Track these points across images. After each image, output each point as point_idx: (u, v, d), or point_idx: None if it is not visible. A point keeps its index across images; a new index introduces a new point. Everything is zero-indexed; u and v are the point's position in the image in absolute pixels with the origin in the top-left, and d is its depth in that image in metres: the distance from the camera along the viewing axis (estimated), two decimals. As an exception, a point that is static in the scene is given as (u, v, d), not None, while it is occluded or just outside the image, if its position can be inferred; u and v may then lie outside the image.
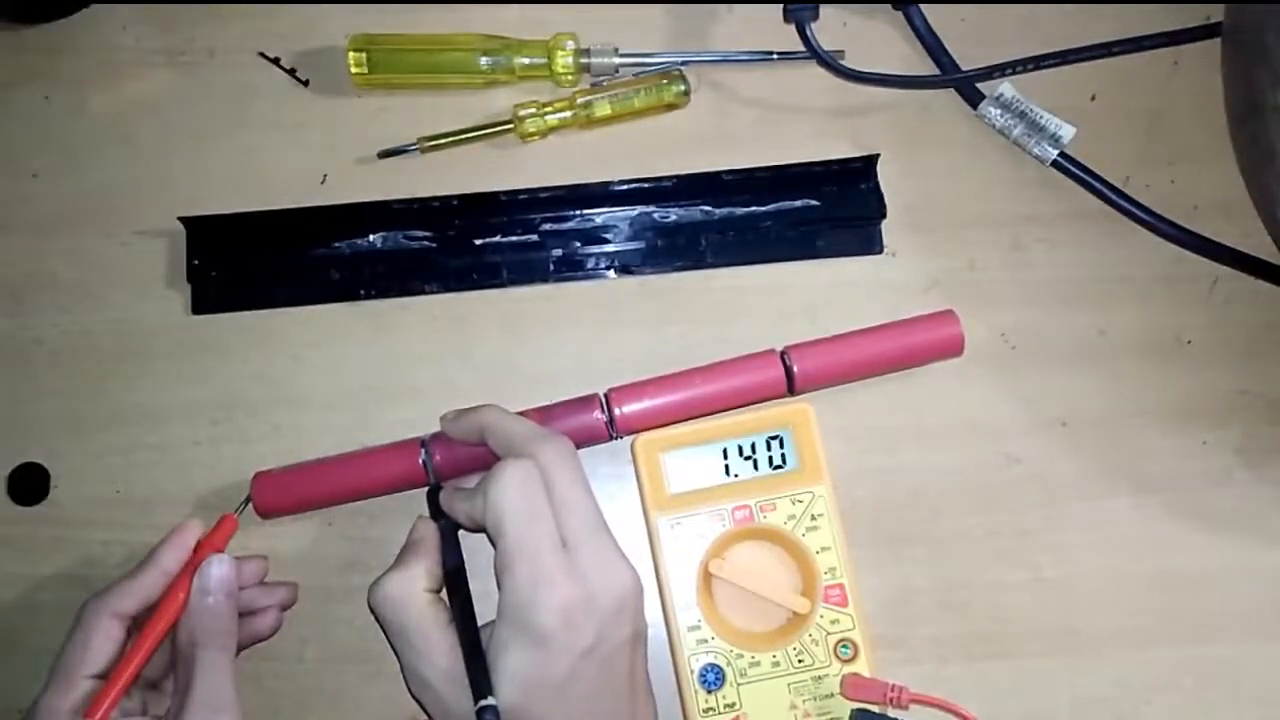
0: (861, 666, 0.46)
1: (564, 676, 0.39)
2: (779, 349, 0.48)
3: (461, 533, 0.45)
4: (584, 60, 0.51)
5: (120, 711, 0.41)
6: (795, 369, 0.48)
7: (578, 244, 0.52)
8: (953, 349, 0.49)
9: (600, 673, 0.40)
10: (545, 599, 0.39)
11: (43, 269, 0.51)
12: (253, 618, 0.46)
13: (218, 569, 0.43)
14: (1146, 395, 0.51)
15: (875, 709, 0.45)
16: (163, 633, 0.42)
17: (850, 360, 0.48)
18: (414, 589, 0.42)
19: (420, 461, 0.46)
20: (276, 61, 0.53)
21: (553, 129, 0.52)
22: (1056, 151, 0.51)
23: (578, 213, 0.52)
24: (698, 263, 0.52)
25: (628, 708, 0.42)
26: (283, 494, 0.47)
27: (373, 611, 0.42)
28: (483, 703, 0.38)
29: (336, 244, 0.51)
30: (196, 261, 0.51)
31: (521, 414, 0.47)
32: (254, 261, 0.51)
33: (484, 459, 0.45)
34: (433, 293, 0.51)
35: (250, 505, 0.47)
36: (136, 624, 0.43)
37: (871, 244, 0.52)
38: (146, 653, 0.42)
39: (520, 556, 0.40)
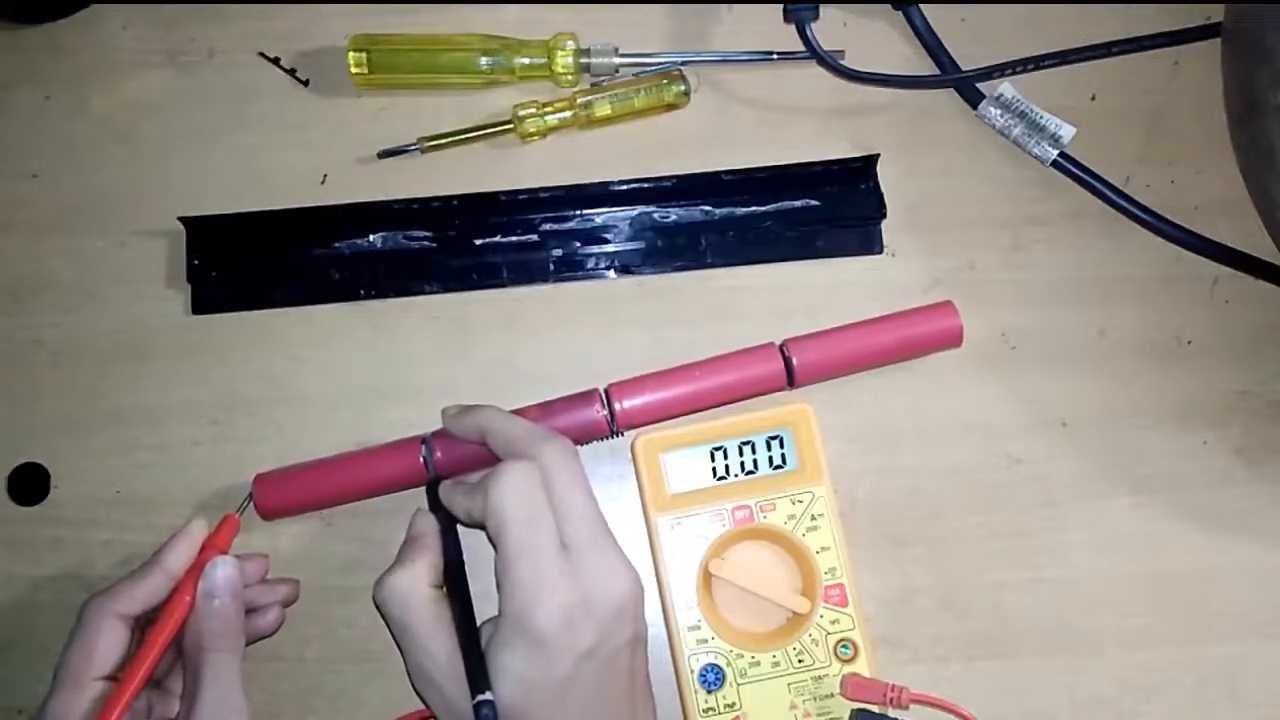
0: (861, 666, 0.46)
1: (563, 679, 0.39)
2: (778, 342, 0.48)
3: (461, 527, 0.45)
4: (584, 60, 0.51)
5: (129, 714, 0.41)
6: (794, 361, 0.48)
7: (578, 244, 0.52)
8: (952, 340, 0.49)
9: (600, 675, 0.40)
10: (545, 602, 0.39)
11: (43, 269, 0.51)
12: (255, 615, 0.46)
13: (223, 570, 0.43)
14: (1146, 395, 0.51)
15: (875, 709, 0.45)
16: (170, 636, 0.42)
17: (849, 352, 0.48)
18: (420, 585, 0.42)
19: (421, 457, 0.46)
20: (276, 61, 0.53)
21: (553, 129, 0.52)
22: (1056, 151, 0.51)
23: (578, 213, 0.52)
24: (698, 263, 0.52)
25: (627, 710, 0.42)
26: (284, 495, 0.47)
27: (378, 607, 0.42)
28: (480, 697, 0.38)
29: (336, 244, 0.51)
30: (196, 261, 0.51)
31: (522, 410, 0.47)
32: (254, 261, 0.51)
33: (485, 457, 0.45)
34: (433, 293, 0.51)
35: (251, 506, 0.47)
36: (139, 624, 0.43)
37: (871, 244, 0.52)
38: (155, 657, 0.42)
39: (520, 559, 0.40)
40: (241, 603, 0.43)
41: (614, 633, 0.40)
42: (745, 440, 0.48)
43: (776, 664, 0.46)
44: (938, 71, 0.53)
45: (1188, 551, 0.50)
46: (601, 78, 0.52)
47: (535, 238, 0.52)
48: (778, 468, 0.48)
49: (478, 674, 0.39)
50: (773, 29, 0.53)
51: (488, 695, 0.38)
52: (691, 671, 0.46)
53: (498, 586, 0.41)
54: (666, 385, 0.48)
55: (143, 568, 0.43)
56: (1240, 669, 0.49)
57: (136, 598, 0.42)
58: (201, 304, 0.51)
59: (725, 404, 0.48)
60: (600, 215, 0.52)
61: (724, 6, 0.54)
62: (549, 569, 0.40)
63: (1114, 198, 0.52)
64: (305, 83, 0.53)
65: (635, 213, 0.52)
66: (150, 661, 0.42)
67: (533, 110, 0.51)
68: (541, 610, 0.39)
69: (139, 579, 0.43)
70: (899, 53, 0.54)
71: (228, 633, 0.42)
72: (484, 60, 0.51)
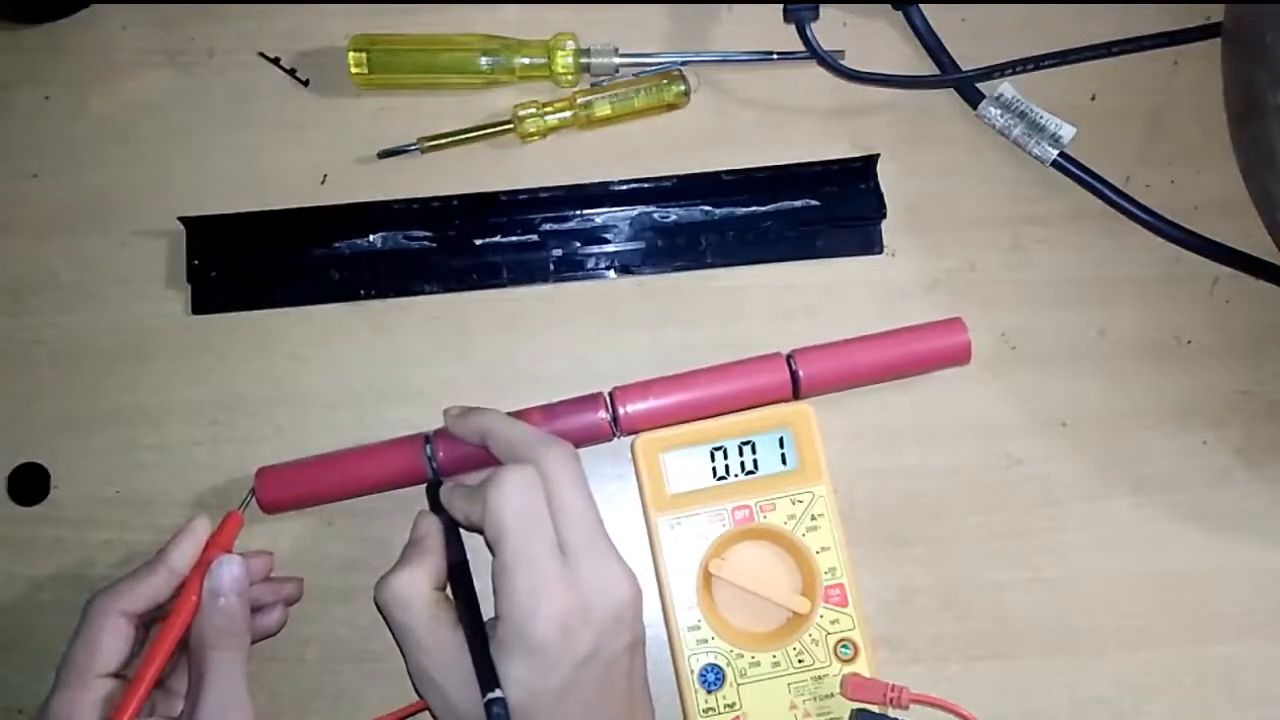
0: (861, 666, 0.46)
1: (562, 685, 0.39)
2: (785, 352, 0.48)
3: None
4: (584, 60, 0.51)
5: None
6: (801, 373, 0.48)
7: (578, 244, 0.52)
8: (960, 357, 0.49)
9: (598, 681, 0.40)
10: (543, 608, 0.39)
11: (43, 269, 0.51)
12: (260, 614, 0.46)
13: (229, 569, 0.43)
14: (1146, 395, 0.51)
15: (875, 709, 0.45)
16: (179, 635, 0.42)
17: (856, 366, 0.48)
18: (422, 588, 0.42)
19: (424, 457, 0.46)
20: (276, 61, 0.53)
21: (553, 129, 0.52)
22: (1056, 151, 0.51)
23: (578, 213, 0.52)
24: (698, 263, 0.52)
25: (625, 714, 0.42)
26: (286, 489, 0.47)
27: (379, 609, 0.42)
28: (490, 695, 0.38)
29: (336, 244, 0.51)
30: (196, 261, 0.51)
31: (525, 412, 0.47)
32: (254, 261, 0.51)
33: (487, 457, 0.45)
34: (433, 293, 0.51)
35: (254, 500, 0.47)
36: (143, 622, 0.43)
37: (871, 244, 0.52)
38: (164, 656, 0.42)
39: (518, 565, 0.40)
40: (247, 601, 0.43)
41: (612, 638, 0.41)
42: (745, 440, 0.48)
43: (776, 664, 0.46)
44: (938, 71, 0.53)
45: (1188, 551, 0.50)
46: (601, 78, 0.52)
47: (535, 238, 0.52)
48: (778, 468, 0.48)
49: (487, 672, 0.39)
50: (773, 29, 0.53)
51: (499, 693, 0.38)
52: (691, 671, 0.46)
53: (494, 591, 0.41)
54: (671, 391, 0.48)
55: (147, 566, 0.43)
56: (1240, 669, 0.49)
57: (141, 596, 0.42)
58: (201, 304, 0.51)
59: (729, 413, 0.48)
60: (600, 215, 0.52)
61: (724, 6, 0.54)
62: (547, 575, 0.40)
63: (1114, 198, 0.52)
64: (305, 83, 0.53)
65: (635, 213, 0.52)
66: (160, 660, 0.42)
67: (533, 110, 0.51)
68: (539, 617, 0.39)
69: (143, 577, 0.43)
70: (899, 53, 0.54)
71: (233, 631, 0.42)
72: (484, 60, 0.51)
